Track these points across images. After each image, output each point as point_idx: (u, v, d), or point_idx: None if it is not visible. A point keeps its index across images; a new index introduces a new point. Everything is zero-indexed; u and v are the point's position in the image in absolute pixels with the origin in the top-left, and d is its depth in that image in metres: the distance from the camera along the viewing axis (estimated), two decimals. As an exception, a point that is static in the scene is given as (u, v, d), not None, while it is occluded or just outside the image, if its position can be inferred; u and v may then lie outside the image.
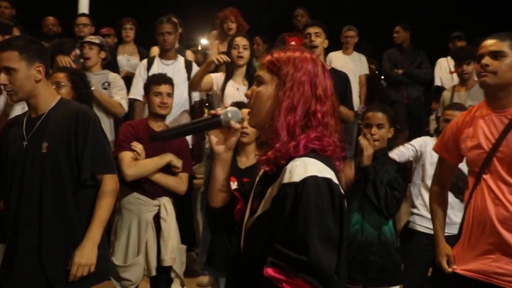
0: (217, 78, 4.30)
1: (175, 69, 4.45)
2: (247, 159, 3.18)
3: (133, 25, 5.32)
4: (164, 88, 3.30)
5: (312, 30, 4.16)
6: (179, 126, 1.84)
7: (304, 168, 1.44)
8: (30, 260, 2.34)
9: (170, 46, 4.46)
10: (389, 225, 3.06)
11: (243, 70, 4.25)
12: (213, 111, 1.66)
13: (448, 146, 2.52)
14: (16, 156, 2.38)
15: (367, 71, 6.19)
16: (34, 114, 2.42)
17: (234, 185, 3.04)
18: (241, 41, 4.20)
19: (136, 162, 3.16)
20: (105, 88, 4.16)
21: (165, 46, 4.45)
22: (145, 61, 4.57)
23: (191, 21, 5.89)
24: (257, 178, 1.67)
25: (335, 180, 1.46)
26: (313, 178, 1.41)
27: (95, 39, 4.27)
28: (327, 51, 5.94)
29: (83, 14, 5.80)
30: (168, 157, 3.21)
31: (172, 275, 3.25)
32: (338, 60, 6.00)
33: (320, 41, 4.16)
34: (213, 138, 1.68)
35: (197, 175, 4.39)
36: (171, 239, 3.19)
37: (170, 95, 3.36)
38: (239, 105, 3.27)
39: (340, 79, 4.26)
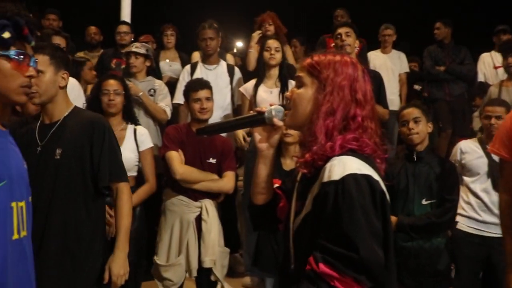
0: (246, 88, 4.35)
1: (218, 73, 4.54)
2: (292, 161, 3.22)
3: (173, 31, 5.43)
4: (202, 94, 3.35)
5: (343, 30, 4.19)
6: (224, 122, 1.91)
7: (342, 166, 1.45)
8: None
9: (213, 51, 4.54)
10: None
11: (275, 73, 4.29)
12: (258, 108, 1.70)
13: (506, 143, 2.43)
14: (28, 161, 2.39)
15: (407, 69, 6.16)
16: (48, 120, 2.45)
17: None
18: (273, 43, 4.26)
19: (185, 166, 3.24)
20: (151, 95, 4.26)
21: (207, 51, 4.53)
22: (188, 66, 4.66)
23: (226, 24, 5.96)
24: (298, 179, 1.68)
25: (375, 177, 1.47)
26: (352, 176, 1.43)
27: (141, 48, 4.30)
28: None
29: (124, 22, 5.96)
30: (214, 183, 3.29)
31: (212, 277, 3.30)
32: (377, 59, 6.01)
33: (351, 41, 4.17)
34: (257, 135, 1.72)
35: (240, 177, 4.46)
36: (212, 241, 3.25)
37: (209, 99, 3.39)
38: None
39: (373, 78, 4.25)
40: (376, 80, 4.28)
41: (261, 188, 1.74)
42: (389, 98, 5.56)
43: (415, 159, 3.06)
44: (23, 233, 1.60)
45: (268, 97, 4.15)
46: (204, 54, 4.62)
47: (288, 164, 3.23)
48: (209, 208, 3.28)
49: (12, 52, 1.55)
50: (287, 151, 3.26)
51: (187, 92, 3.44)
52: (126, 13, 6.43)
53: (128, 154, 3.21)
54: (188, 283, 3.48)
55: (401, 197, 3.02)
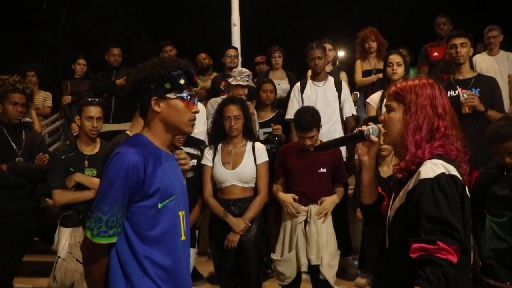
0: (373, 100, 4.58)
1: (326, 88, 4.81)
2: (388, 169, 3.66)
3: (281, 53, 5.77)
4: None
5: (458, 41, 4.25)
6: (335, 139, 2.52)
7: (436, 167, 1.84)
8: None
9: (321, 69, 4.80)
10: None
11: None
12: (359, 128, 2.18)
13: None
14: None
15: (517, 70, 5.95)
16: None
17: None
18: (395, 58, 4.47)
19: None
20: None
21: (316, 70, 4.80)
22: (298, 84, 4.95)
23: (328, 35, 6.20)
24: (396, 183, 2.09)
25: (459, 176, 1.85)
26: (443, 175, 1.82)
27: (241, 82, 4.54)
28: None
29: (232, 47, 6.47)
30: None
31: (321, 276, 3.63)
32: (484, 62, 5.86)
33: (466, 51, 4.25)
34: (360, 149, 2.19)
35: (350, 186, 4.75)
36: (317, 241, 3.61)
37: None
38: (373, 119, 3.69)
39: (489, 84, 4.31)
40: (492, 86, 4.32)
41: (367, 192, 2.22)
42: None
43: (507, 172, 3.03)
44: (184, 237, 2.02)
45: None
46: (313, 72, 4.89)
47: (385, 171, 3.63)
48: (314, 212, 3.66)
49: (185, 94, 1.98)
50: (384, 161, 3.67)
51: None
52: (236, 39, 7.00)
53: (248, 168, 3.62)
54: (305, 285, 3.84)
55: (495, 202, 3.05)
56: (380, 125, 2.27)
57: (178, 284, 1.96)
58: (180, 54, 6.83)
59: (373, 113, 4.51)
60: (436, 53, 5.35)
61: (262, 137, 4.60)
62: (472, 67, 5.01)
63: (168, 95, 1.96)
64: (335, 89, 4.80)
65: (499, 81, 5.65)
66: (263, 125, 4.73)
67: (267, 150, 3.87)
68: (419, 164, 1.90)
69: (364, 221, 2.41)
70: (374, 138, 2.11)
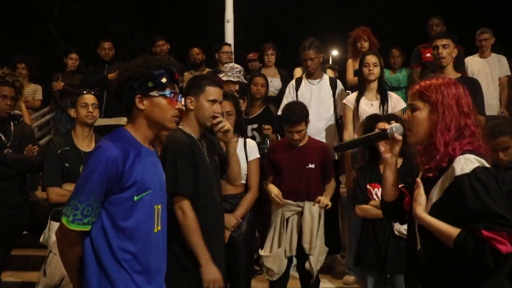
0: (349, 100, 4.59)
1: (321, 87, 4.81)
2: None
3: (274, 51, 5.78)
4: None
5: (440, 42, 4.30)
6: (356, 139, 2.60)
7: (470, 162, 1.86)
8: None
9: (313, 70, 4.80)
10: None
11: (374, 86, 4.51)
12: (382, 126, 2.18)
13: None
14: (208, 171, 2.91)
15: (508, 72, 5.97)
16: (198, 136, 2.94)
17: (378, 191, 3.42)
18: (371, 59, 4.49)
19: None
20: None
21: (309, 70, 4.81)
22: (293, 81, 4.96)
23: (321, 34, 6.24)
24: (419, 179, 2.07)
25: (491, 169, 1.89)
26: (480, 168, 1.85)
27: (232, 77, 4.58)
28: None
29: (227, 44, 6.47)
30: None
31: (307, 265, 3.69)
32: (475, 64, 5.93)
33: (448, 52, 4.29)
34: (382, 147, 2.18)
35: (341, 184, 4.77)
36: (311, 231, 3.66)
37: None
38: (376, 117, 3.68)
39: (471, 86, 4.34)
40: (474, 88, 4.34)
41: (390, 189, 2.21)
42: (489, 103, 5.54)
43: (503, 171, 3.02)
44: (159, 228, 2.12)
45: (369, 109, 4.37)
46: (306, 72, 4.89)
47: None
48: (307, 208, 3.68)
49: (167, 92, 2.08)
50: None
51: None
52: (229, 35, 6.99)
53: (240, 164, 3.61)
54: (292, 281, 3.86)
55: None
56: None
57: (150, 273, 2.05)
58: (174, 49, 6.86)
59: (349, 114, 4.52)
60: (428, 54, 5.34)
61: (250, 133, 4.57)
62: (458, 68, 5.04)
63: (151, 93, 2.06)
64: (330, 87, 4.81)
65: (490, 83, 5.78)
66: (251, 121, 4.69)
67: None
68: (450, 161, 1.91)
69: (385, 218, 2.37)
70: (398, 136, 2.11)
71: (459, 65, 5.56)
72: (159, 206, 2.12)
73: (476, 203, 1.81)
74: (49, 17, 16.42)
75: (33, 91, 6.89)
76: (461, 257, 1.84)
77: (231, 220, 3.50)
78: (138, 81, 2.05)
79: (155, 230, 2.09)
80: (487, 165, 1.88)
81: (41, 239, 3.61)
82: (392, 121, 2.21)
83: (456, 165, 1.88)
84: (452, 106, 1.95)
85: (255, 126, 4.68)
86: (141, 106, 2.06)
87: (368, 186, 3.55)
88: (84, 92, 3.72)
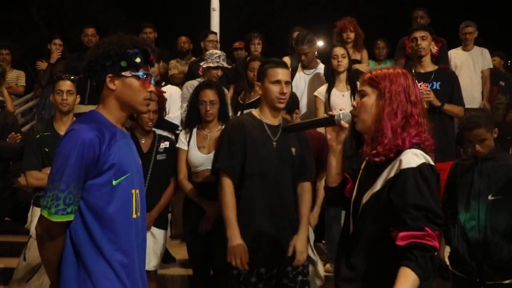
0: (320, 92, 4.61)
1: (315, 76, 4.88)
2: None
3: (260, 40, 5.80)
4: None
5: (418, 34, 4.39)
6: (304, 122, 2.52)
7: (417, 157, 1.90)
8: None
9: (308, 63, 4.89)
10: None
11: (344, 77, 4.55)
12: (330, 112, 2.20)
13: None
14: (267, 155, 2.98)
15: (490, 65, 6.07)
16: (274, 122, 3.04)
17: None
18: (339, 50, 4.53)
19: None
20: None
21: (304, 64, 4.89)
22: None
23: (307, 24, 6.24)
24: (362, 167, 2.13)
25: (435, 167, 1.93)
26: (425, 165, 1.89)
27: (212, 63, 4.60)
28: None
29: (212, 32, 6.45)
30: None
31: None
32: (458, 57, 5.98)
33: (426, 44, 4.38)
34: (328, 134, 2.21)
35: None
36: None
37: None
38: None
39: (449, 77, 4.44)
40: (451, 79, 4.44)
41: (333, 175, 2.25)
42: (472, 95, 5.65)
43: (480, 161, 3.12)
44: (138, 214, 2.02)
45: (340, 100, 4.42)
46: (301, 64, 4.96)
47: None
48: None
49: (141, 73, 1.97)
50: None
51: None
52: (215, 23, 6.97)
53: None
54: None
55: (465, 192, 3.13)
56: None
57: (131, 263, 1.96)
58: (160, 37, 6.82)
59: (321, 106, 4.56)
60: (409, 46, 5.41)
61: None
62: (441, 60, 5.12)
63: (123, 73, 1.95)
64: (324, 77, 4.84)
65: (473, 76, 5.86)
66: (248, 106, 4.60)
67: None
68: (398, 152, 1.94)
69: (328, 203, 2.42)
70: (344, 123, 2.13)
71: (442, 57, 5.64)
72: (137, 191, 2.02)
73: (417, 197, 1.85)
74: (31, 2, 16.14)
75: (16, 77, 6.81)
76: (424, 273, 1.83)
77: (214, 207, 3.51)
78: (111, 60, 1.92)
79: (135, 216, 2.00)
80: (432, 162, 1.92)
81: (26, 224, 3.61)
82: (342, 108, 2.24)
83: (403, 158, 1.91)
84: (400, 93, 1.99)
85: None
86: (112, 86, 1.94)
87: (349, 175, 3.56)
88: (63, 77, 3.68)
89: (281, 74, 2.99)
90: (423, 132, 1.99)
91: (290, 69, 3.24)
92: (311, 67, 4.89)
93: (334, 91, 4.53)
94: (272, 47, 6.05)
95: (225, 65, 4.63)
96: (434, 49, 5.46)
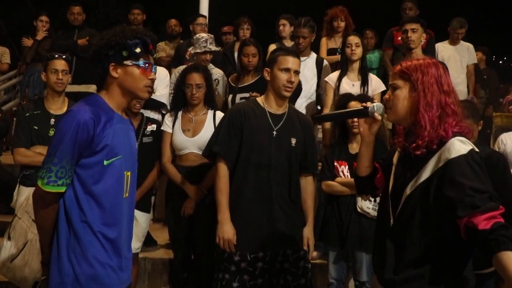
0: (331, 79, 4.62)
1: (307, 65, 4.84)
2: (357, 146, 3.55)
3: (249, 26, 5.73)
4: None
5: (409, 26, 4.41)
6: (336, 112, 2.56)
7: (464, 144, 1.89)
8: None
9: (304, 48, 4.86)
10: None
11: (356, 66, 4.57)
12: (364, 104, 2.20)
13: None
14: (265, 143, 2.99)
15: (475, 61, 6.17)
16: (278, 111, 3.05)
17: (345, 168, 3.49)
18: (353, 39, 4.54)
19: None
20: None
21: (299, 48, 4.84)
22: None
23: (297, 13, 6.21)
24: (395, 160, 2.13)
25: None
26: (474, 151, 1.89)
27: (199, 49, 4.51)
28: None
29: (201, 15, 6.40)
30: None
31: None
32: (445, 50, 6.02)
33: (417, 36, 4.40)
34: (361, 126, 2.23)
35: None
36: None
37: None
38: (349, 95, 3.71)
39: None
40: None
41: (365, 164, 2.27)
42: (458, 88, 5.67)
43: None
44: (127, 195, 2.17)
45: (350, 89, 4.39)
46: (296, 49, 4.86)
47: (354, 148, 3.54)
48: None
49: (141, 62, 2.12)
50: (354, 138, 3.58)
51: None
52: (204, 7, 6.92)
53: (208, 136, 3.53)
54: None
55: None
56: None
57: (117, 237, 2.12)
58: (149, 19, 6.77)
59: (330, 92, 4.57)
60: (400, 38, 5.43)
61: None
62: (428, 53, 5.13)
63: (125, 62, 2.11)
64: (315, 66, 4.84)
65: (459, 70, 5.91)
66: (241, 90, 4.53)
67: None
68: (441, 143, 1.93)
69: (357, 191, 2.44)
70: (377, 116, 2.14)
71: (430, 49, 5.66)
72: (129, 173, 2.17)
73: (476, 181, 1.81)
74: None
75: (1, 54, 6.71)
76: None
77: (197, 191, 3.55)
78: (113, 50, 2.08)
79: (125, 195, 2.16)
80: (476, 149, 1.91)
81: (12, 203, 3.59)
82: (375, 100, 2.25)
83: (450, 147, 1.89)
84: (433, 84, 1.97)
85: (246, 95, 4.49)
86: (114, 74, 2.11)
87: (335, 163, 3.60)
88: (56, 56, 3.64)
89: (291, 62, 2.98)
90: (460, 121, 1.98)
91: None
92: (304, 55, 4.86)
93: (345, 79, 4.54)
94: (260, 33, 6.00)
95: (213, 48, 4.58)
96: (423, 41, 5.47)
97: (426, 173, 1.93)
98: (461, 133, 1.95)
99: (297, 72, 3.01)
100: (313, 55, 4.97)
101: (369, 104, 2.16)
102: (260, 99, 3.13)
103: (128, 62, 2.10)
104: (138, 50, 2.09)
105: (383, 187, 2.23)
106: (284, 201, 3.05)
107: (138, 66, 2.11)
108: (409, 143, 2.00)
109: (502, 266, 1.68)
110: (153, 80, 2.17)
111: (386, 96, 2.11)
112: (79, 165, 2.03)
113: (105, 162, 2.05)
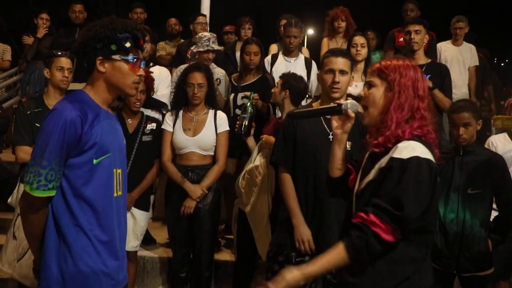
0: None
1: (297, 66, 4.81)
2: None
3: (251, 25, 5.72)
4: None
5: (412, 28, 4.36)
6: (311, 109, 2.49)
7: (411, 149, 1.86)
8: None
9: (294, 48, 4.84)
10: None
11: (361, 67, 4.56)
12: (337, 101, 2.16)
13: None
14: (320, 148, 2.91)
15: (477, 63, 6.11)
16: None
17: None
18: (359, 39, 4.54)
19: None
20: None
21: (290, 47, 4.83)
22: (269, 57, 4.96)
23: (297, 12, 6.20)
24: (366, 157, 2.10)
25: (434, 160, 1.88)
26: (417, 158, 1.84)
27: (201, 48, 4.52)
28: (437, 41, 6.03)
29: (202, 14, 6.38)
30: None
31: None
32: (448, 51, 5.99)
33: (420, 38, 4.36)
34: (334, 122, 2.16)
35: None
36: None
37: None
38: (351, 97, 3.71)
39: (439, 71, 4.44)
40: (442, 73, 4.43)
41: (337, 165, 2.21)
42: (462, 91, 5.68)
43: (461, 153, 3.16)
44: (119, 193, 2.08)
45: (353, 90, 4.32)
46: (286, 48, 4.90)
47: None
48: None
49: (130, 57, 2.00)
50: None
51: None
52: (206, 6, 6.90)
53: (209, 136, 3.63)
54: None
55: (445, 185, 3.13)
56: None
57: (111, 238, 2.01)
58: (150, 18, 6.75)
59: None
60: (402, 39, 5.42)
61: (239, 102, 4.44)
62: (430, 54, 5.12)
63: (113, 57, 1.98)
64: (304, 67, 4.82)
65: (461, 71, 5.88)
66: (242, 89, 4.49)
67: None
68: (397, 142, 1.92)
69: (329, 194, 2.41)
70: (351, 113, 2.09)
71: (431, 50, 5.64)
72: (119, 171, 2.07)
73: (391, 187, 1.83)
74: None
75: (2, 51, 6.70)
76: (357, 254, 1.85)
77: (197, 190, 3.54)
78: (101, 43, 1.95)
79: (115, 195, 2.05)
80: (429, 156, 1.87)
81: (9, 200, 3.57)
82: (349, 98, 2.20)
83: (398, 146, 1.89)
84: (408, 87, 1.96)
85: (247, 93, 4.36)
86: (101, 69, 1.98)
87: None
88: (61, 53, 3.62)
89: (334, 62, 2.91)
90: (426, 125, 1.96)
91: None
92: (293, 56, 4.86)
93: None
94: (261, 33, 6.00)
95: (216, 47, 4.57)
96: (424, 43, 5.45)
97: (374, 171, 1.96)
98: (421, 137, 1.93)
99: (343, 72, 2.91)
100: (302, 56, 4.94)
101: (342, 101, 2.12)
102: (315, 104, 3.09)
103: (116, 57, 1.98)
104: (128, 44, 1.96)
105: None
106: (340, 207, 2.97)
107: (127, 61, 1.99)
108: (372, 141, 2.01)
109: (329, 249, 1.87)
110: (141, 76, 2.06)
111: (361, 92, 2.09)
112: (67, 166, 1.90)
113: (95, 161, 1.94)
